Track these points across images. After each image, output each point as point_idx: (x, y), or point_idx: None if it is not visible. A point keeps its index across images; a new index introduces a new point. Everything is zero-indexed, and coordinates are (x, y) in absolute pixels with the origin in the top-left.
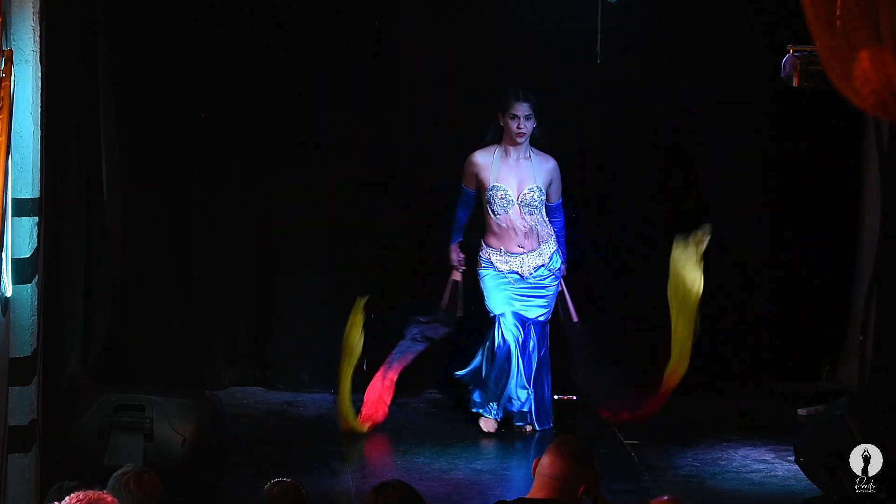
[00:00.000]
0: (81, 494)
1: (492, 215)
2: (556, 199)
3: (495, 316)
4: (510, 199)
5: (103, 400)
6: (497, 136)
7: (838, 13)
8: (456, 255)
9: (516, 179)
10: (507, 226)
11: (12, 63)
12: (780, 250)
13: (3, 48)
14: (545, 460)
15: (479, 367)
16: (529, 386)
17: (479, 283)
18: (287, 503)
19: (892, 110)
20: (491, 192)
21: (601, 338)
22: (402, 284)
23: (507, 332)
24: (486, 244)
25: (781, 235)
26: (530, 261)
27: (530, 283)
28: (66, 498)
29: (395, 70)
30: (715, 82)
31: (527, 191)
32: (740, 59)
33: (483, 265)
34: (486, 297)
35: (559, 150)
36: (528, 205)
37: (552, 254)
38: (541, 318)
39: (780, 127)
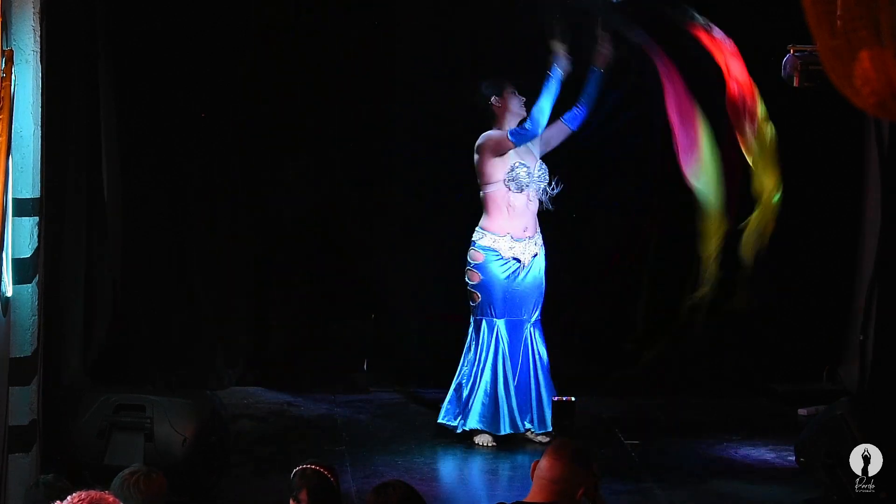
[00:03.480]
0: (84, 494)
1: (510, 194)
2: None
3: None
4: (532, 175)
5: (103, 400)
6: (493, 123)
7: (838, 13)
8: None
9: (532, 158)
10: (520, 205)
11: (12, 63)
12: (780, 250)
13: (4, 48)
14: (543, 463)
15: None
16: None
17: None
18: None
19: (893, 110)
20: (516, 169)
21: None
22: (403, 283)
23: (502, 339)
24: (489, 231)
25: (781, 236)
26: (530, 248)
27: (528, 280)
28: (69, 497)
29: (393, 70)
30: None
31: (537, 168)
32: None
33: (484, 255)
34: (484, 295)
35: (560, 150)
36: (541, 182)
37: (542, 246)
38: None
39: (780, 127)
